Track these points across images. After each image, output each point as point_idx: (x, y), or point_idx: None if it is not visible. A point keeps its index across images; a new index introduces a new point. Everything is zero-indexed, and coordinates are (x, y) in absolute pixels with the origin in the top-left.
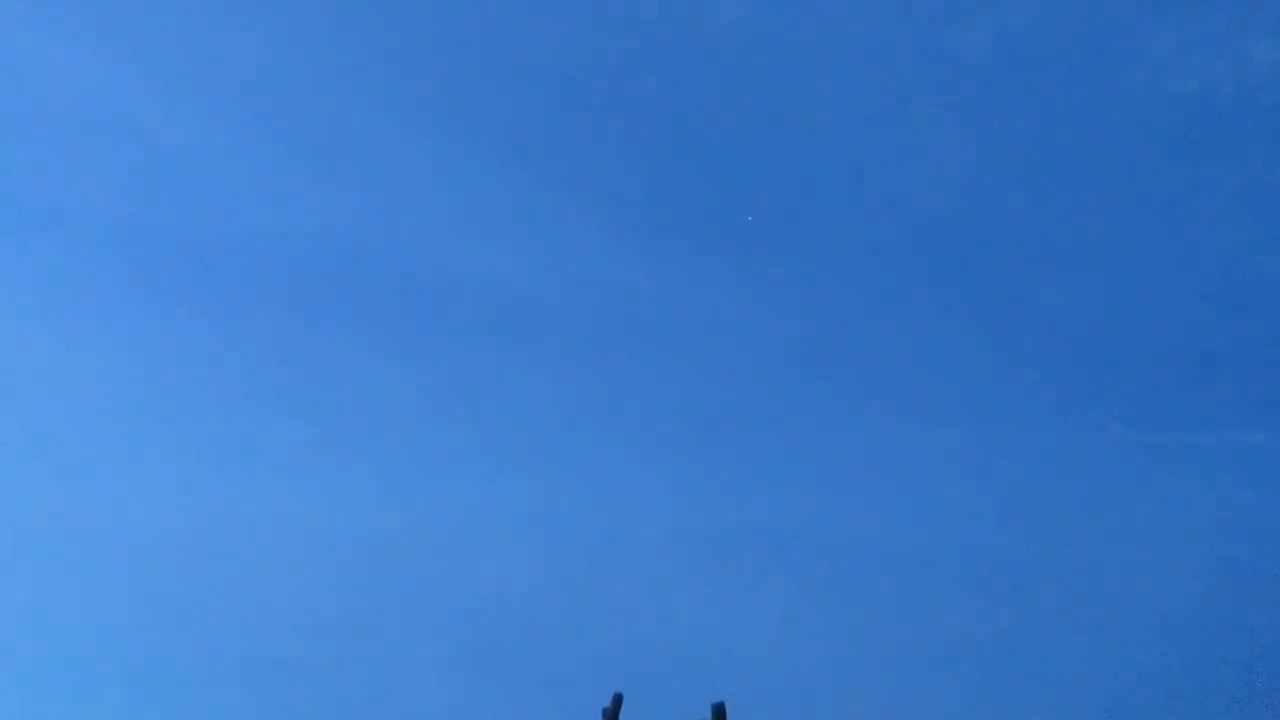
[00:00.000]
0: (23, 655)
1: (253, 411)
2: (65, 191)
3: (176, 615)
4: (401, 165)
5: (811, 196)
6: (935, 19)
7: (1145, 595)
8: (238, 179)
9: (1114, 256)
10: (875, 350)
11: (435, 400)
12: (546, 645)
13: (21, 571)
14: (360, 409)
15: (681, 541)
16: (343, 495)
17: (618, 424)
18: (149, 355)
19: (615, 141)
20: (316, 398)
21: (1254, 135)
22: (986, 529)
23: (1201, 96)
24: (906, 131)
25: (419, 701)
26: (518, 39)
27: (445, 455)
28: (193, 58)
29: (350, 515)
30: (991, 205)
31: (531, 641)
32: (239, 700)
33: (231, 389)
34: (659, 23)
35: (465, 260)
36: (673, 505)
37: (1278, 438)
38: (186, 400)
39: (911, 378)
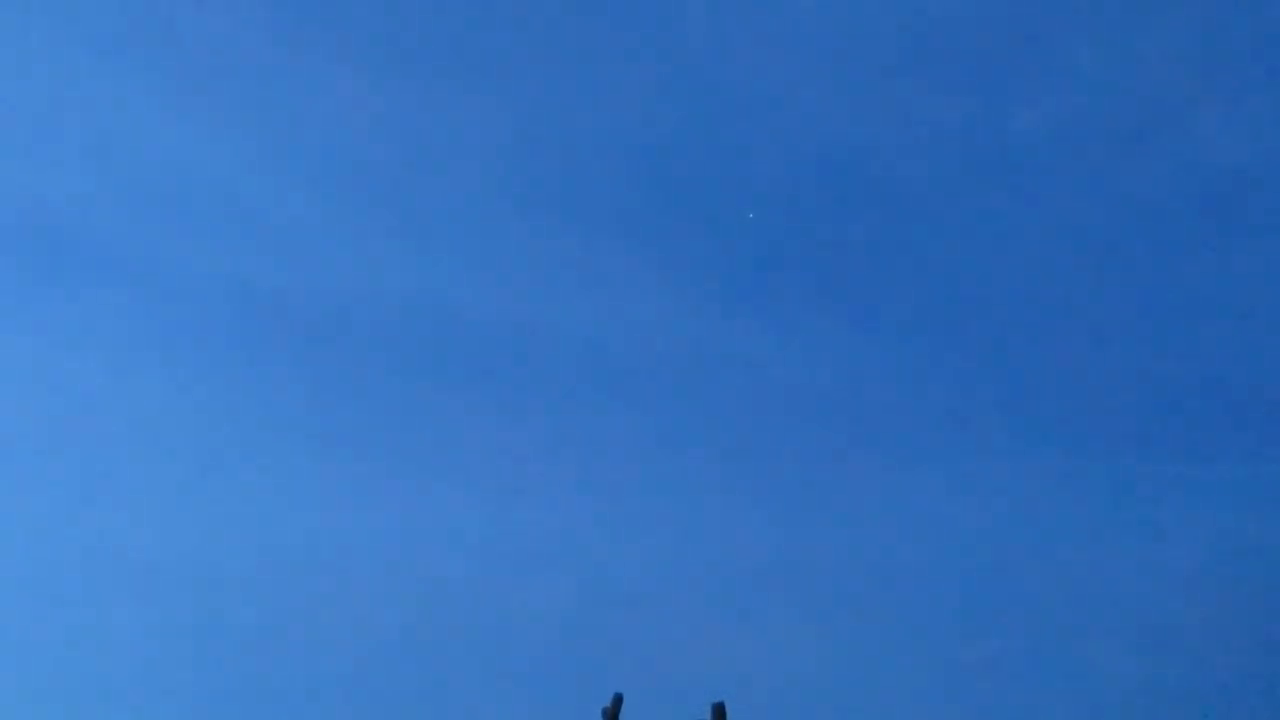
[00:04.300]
0: (98, 681)
1: (326, 452)
2: (166, 250)
3: (249, 638)
4: (477, 226)
5: (855, 259)
6: (988, 98)
7: (1145, 620)
8: (321, 240)
9: (1143, 309)
10: (895, 397)
11: (490, 442)
12: (548, 646)
13: (110, 603)
14: (432, 451)
15: (691, 559)
16: (404, 529)
17: (658, 462)
18: (238, 401)
19: (681, 208)
20: (387, 440)
21: None
22: (987, 555)
23: (1245, 170)
24: (957, 206)
25: (421, 704)
26: (598, 111)
27: (499, 490)
28: (292, 130)
29: (410, 547)
30: (1031, 265)
31: (534, 643)
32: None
33: (306, 432)
34: (714, 94)
35: (528, 312)
36: (690, 530)
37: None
38: (267, 443)
39: (931, 421)
